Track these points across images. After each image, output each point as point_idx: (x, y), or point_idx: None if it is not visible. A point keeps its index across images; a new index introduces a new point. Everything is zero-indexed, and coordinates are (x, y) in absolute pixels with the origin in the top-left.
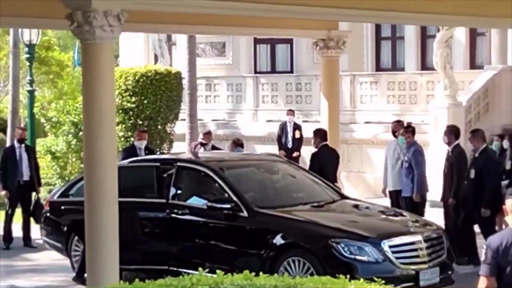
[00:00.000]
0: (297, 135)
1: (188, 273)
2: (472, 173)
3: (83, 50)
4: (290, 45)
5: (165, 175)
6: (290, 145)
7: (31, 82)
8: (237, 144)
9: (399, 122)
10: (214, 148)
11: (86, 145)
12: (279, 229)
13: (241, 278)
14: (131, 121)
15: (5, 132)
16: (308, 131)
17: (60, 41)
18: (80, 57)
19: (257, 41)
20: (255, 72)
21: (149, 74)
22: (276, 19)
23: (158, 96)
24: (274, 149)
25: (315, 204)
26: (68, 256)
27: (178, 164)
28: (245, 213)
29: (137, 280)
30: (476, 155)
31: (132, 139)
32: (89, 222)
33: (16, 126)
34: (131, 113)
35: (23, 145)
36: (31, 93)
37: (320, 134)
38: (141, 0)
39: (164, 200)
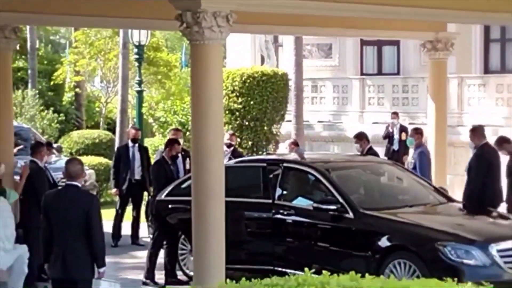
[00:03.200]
0: (403, 137)
1: (294, 274)
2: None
3: (192, 51)
4: (397, 47)
5: (271, 175)
6: (396, 147)
7: (139, 83)
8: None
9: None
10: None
11: (193, 145)
12: (385, 231)
13: (347, 279)
14: (238, 122)
15: (114, 132)
16: None
17: (168, 42)
18: (188, 58)
19: (363, 43)
20: (361, 74)
21: (256, 75)
22: (383, 21)
23: (265, 97)
24: (380, 151)
25: (421, 206)
26: None
27: (284, 165)
28: (350, 215)
29: (243, 279)
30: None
31: (239, 140)
32: (196, 221)
33: (125, 126)
34: (237, 114)
35: (136, 144)
36: (140, 93)
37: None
38: (249, 1)
39: (269, 201)
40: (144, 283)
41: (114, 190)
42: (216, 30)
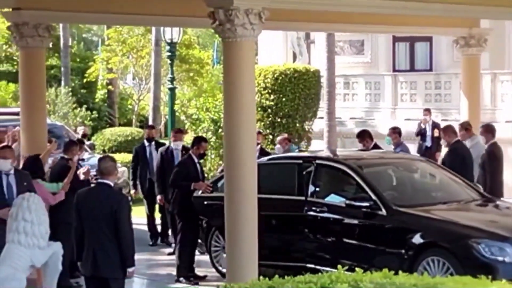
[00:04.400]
0: (436, 133)
1: (326, 271)
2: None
3: (224, 48)
4: (430, 43)
5: (304, 172)
6: (429, 144)
7: (172, 80)
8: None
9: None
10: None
11: (226, 142)
12: (418, 228)
13: (380, 277)
14: (270, 119)
15: None
16: None
17: (200, 40)
18: (219, 56)
19: (395, 39)
20: (394, 70)
21: (288, 72)
22: (415, 17)
23: (297, 94)
24: (412, 148)
25: (455, 203)
26: (207, 251)
27: (317, 162)
28: (383, 212)
29: (276, 276)
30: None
31: (271, 136)
32: (229, 219)
33: (157, 123)
34: (269, 110)
35: (153, 143)
36: (172, 90)
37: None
38: None
39: (302, 198)
40: (178, 281)
41: (133, 191)
42: (248, 27)
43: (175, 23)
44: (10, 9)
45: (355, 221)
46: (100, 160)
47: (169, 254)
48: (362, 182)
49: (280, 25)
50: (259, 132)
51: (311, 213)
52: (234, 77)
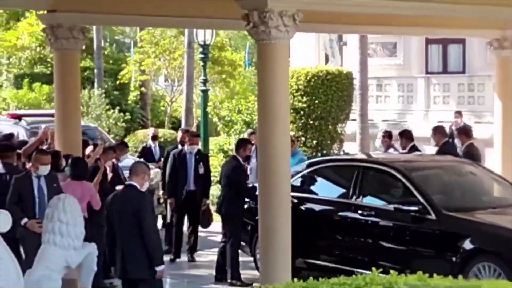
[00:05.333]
0: None
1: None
2: None
3: (259, 50)
4: (463, 45)
5: (350, 175)
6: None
7: (204, 82)
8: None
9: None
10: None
11: (260, 144)
12: (468, 233)
13: (415, 279)
14: (302, 121)
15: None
16: (480, 133)
17: (231, 42)
18: (251, 58)
19: (428, 41)
20: (426, 72)
21: (321, 74)
22: (448, 19)
23: (329, 96)
24: None
25: (505, 207)
26: (251, 254)
27: (364, 164)
28: (433, 216)
29: (310, 278)
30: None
31: (303, 139)
32: (263, 222)
33: (190, 125)
34: (302, 112)
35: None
36: (205, 92)
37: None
38: (316, 0)
39: (348, 200)
40: (232, 284)
41: (161, 192)
42: (282, 29)
43: (209, 25)
44: (45, 11)
45: (403, 225)
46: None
47: (189, 260)
48: (410, 186)
49: (312, 27)
50: (253, 133)
51: (357, 216)
52: (268, 79)
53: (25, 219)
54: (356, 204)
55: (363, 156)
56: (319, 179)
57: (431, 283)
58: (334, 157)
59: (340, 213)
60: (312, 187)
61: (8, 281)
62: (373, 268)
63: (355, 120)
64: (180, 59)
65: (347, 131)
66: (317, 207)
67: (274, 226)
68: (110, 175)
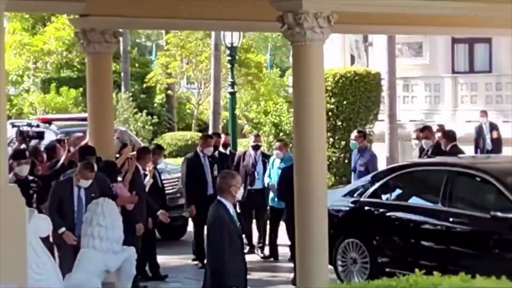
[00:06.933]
0: (495, 135)
1: None
2: None
3: (294, 52)
4: (489, 44)
5: (440, 180)
6: (489, 146)
7: (232, 84)
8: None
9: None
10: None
11: (296, 144)
12: None
13: (459, 280)
14: (331, 122)
15: None
16: (508, 132)
17: (253, 44)
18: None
19: (454, 41)
20: (453, 72)
21: (348, 75)
22: (474, 18)
23: (357, 97)
24: (471, 150)
25: None
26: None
27: (454, 169)
28: None
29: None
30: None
31: (332, 140)
32: (300, 225)
33: (217, 127)
34: (330, 114)
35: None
36: (232, 94)
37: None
38: (350, 1)
39: (439, 207)
40: None
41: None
42: (317, 31)
43: (241, 27)
44: (77, 16)
45: (501, 234)
46: None
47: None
48: (506, 191)
49: (342, 28)
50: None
51: (447, 223)
52: (303, 80)
53: (63, 229)
54: (445, 210)
55: (452, 160)
56: (403, 185)
57: (474, 284)
58: (421, 161)
59: (430, 219)
60: (397, 194)
61: (49, 285)
62: (416, 270)
63: (383, 120)
64: (207, 62)
65: (376, 131)
66: (405, 215)
67: (311, 229)
68: (150, 180)
